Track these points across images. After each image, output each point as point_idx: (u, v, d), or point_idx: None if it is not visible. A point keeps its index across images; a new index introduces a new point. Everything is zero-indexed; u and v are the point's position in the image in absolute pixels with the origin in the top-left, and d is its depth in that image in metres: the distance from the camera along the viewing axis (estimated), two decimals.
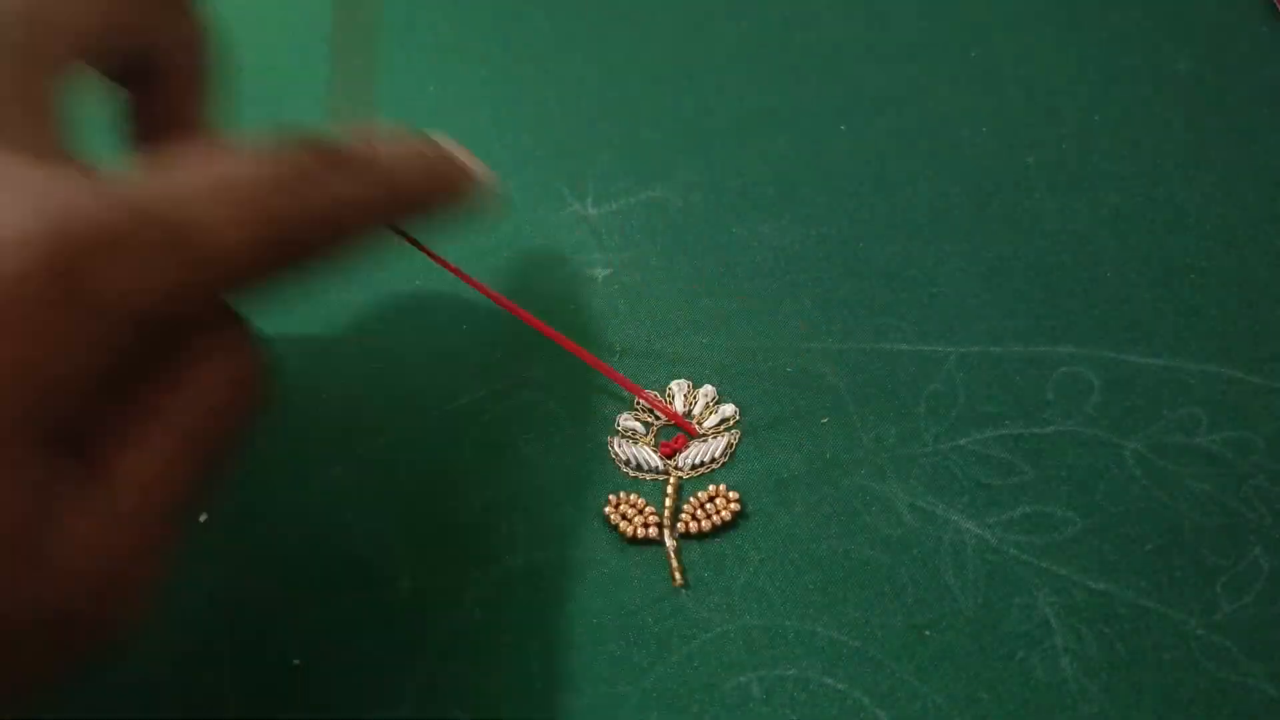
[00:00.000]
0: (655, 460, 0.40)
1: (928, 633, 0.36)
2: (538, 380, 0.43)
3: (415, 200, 0.35)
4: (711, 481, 0.40)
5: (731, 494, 0.39)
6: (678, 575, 0.38)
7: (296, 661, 0.37)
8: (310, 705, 0.36)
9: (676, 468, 0.40)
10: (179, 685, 0.37)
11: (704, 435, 0.41)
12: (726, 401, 0.42)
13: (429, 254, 0.38)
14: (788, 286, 0.45)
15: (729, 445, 0.41)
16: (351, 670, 0.36)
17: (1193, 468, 0.38)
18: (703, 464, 0.40)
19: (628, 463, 0.41)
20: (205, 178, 0.27)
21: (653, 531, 0.39)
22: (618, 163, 0.49)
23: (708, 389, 0.42)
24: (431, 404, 0.42)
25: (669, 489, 0.40)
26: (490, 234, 0.47)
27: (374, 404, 0.43)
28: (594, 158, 0.49)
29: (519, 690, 0.36)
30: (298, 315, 0.46)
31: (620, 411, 0.42)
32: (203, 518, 0.40)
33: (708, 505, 0.39)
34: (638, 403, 0.42)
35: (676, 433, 0.41)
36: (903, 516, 0.38)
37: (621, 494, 0.40)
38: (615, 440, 0.41)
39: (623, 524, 0.39)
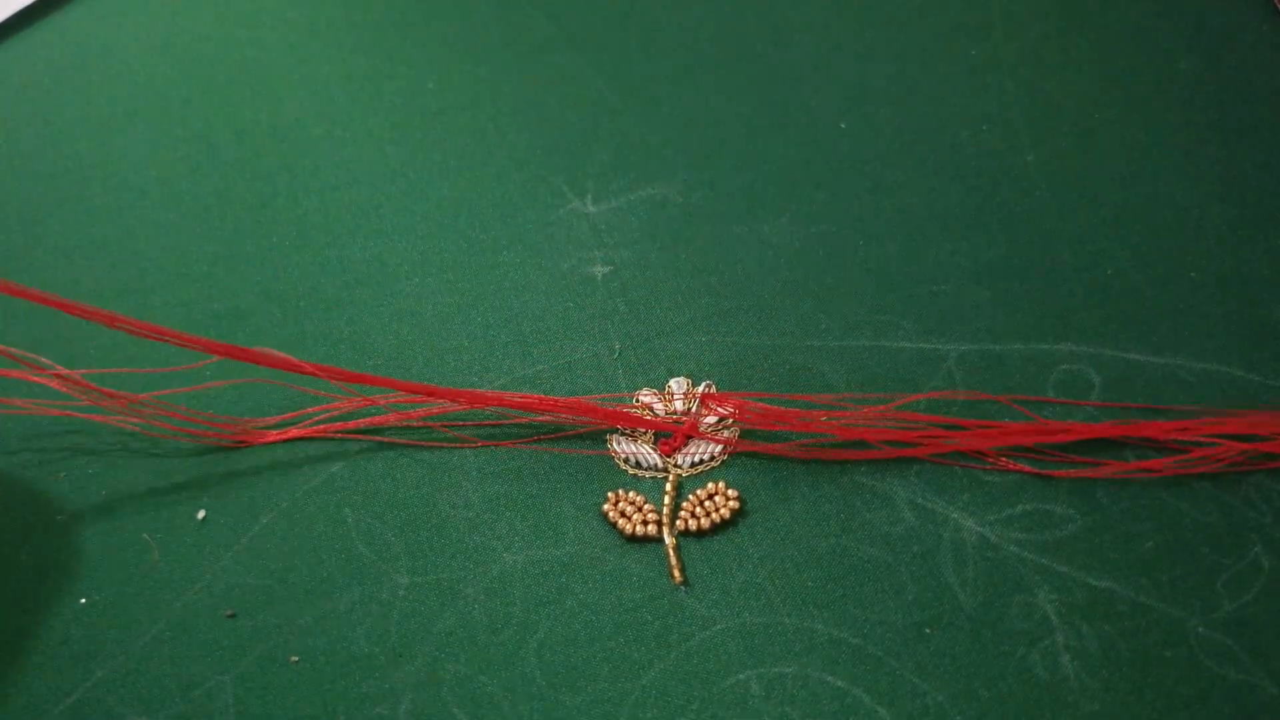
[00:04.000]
0: (655, 458, 0.40)
1: (928, 630, 0.36)
2: (537, 376, 0.43)
3: None
4: (711, 479, 0.40)
5: (731, 491, 0.39)
6: (677, 573, 0.38)
7: (294, 658, 0.37)
8: (309, 702, 0.36)
9: (676, 465, 0.40)
10: (178, 682, 0.36)
11: (703, 432, 0.41)
12: None
13: None
14: (788, 284, 0.44)
15: (728, 443, 0.41)
16: (350, 667, 0.36)
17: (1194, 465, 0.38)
18: (702, 461, 0.40)
19: (627, 460, 0.40)
20: None
21: (652, 529, 0.38)
22: (617, 160, 0.49)
23: (707, 386, 0.42)
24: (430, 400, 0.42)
25: (668, 486, 0.40)
26: (490, 232, 0.47)
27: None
28: (594, 155, 0.49)
29: (518, 688, 0.36)
30: (297, 313, 0.46)
31: (620, 408, 0.42)
32: (200, 514, 0.40)
33: (707, 503, 0.39)
34: (636, 399, 0.42)
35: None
36: (903, 514, 0.38)
37: (621, 491, 0.40)
38: (615, 438, 0.41)
39: (622, 521, 0.39)
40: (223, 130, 0.52)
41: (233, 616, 0.38)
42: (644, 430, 0.41)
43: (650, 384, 0.42)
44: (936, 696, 0.35)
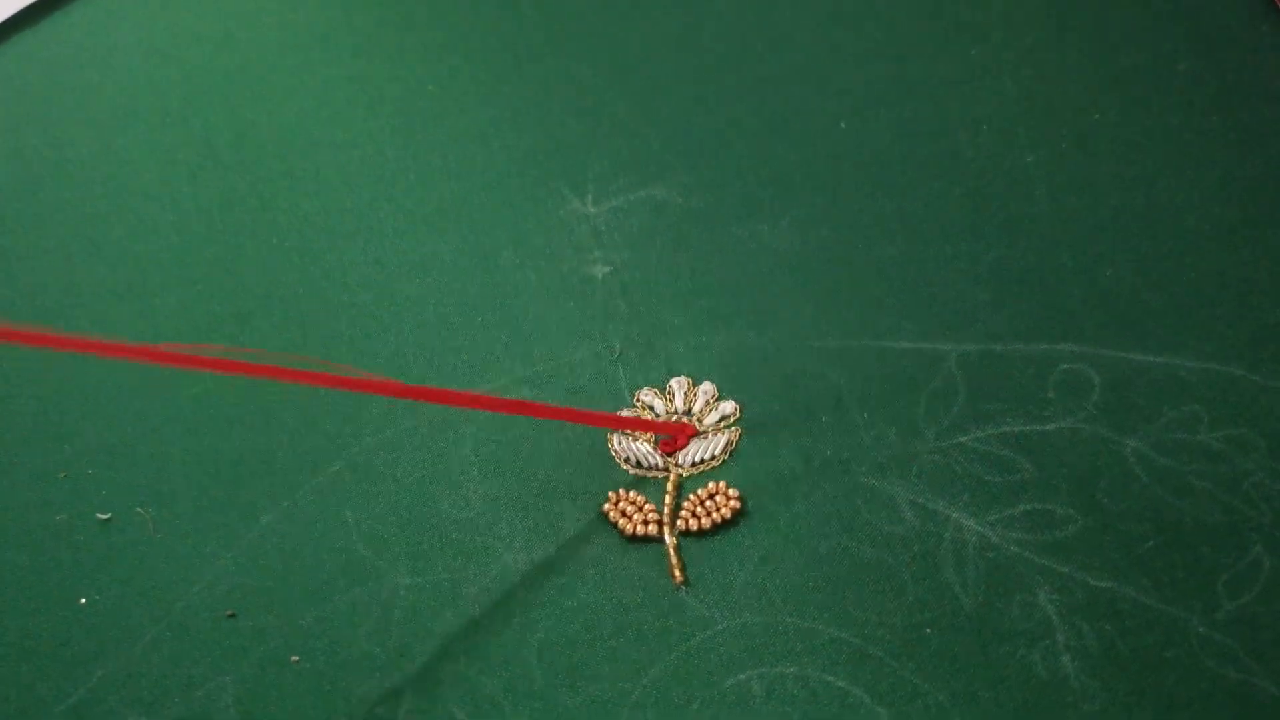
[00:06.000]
0: (655, 458, 0.40)
1: (928, 631, 0.36)
2: (537, 377, 0.43)
3: None
4: (711, 479, 0.40)
5: (731, 491, 0.39)
6: (677, 573, 0.38)
7: (295, 658, 0.37)
8: (309, 703, 0.36)
9: (676, 465, 0.40)
10: (179, 683, 0.36)
11: (704, 432, 0.41)
12: (726, 399, 0.42)
13: None
14: (788, 284, 0.44)
15: (729, 443, 0.41)
16: (350, 668, 0.36)
17: (1194, 465, 0.38)
18: (703, 461, 0.40)
19: (627, 460, 0.40)
20: None
21: (652, 529, 0.38)
22: (618, 161, 0.49)
23: (707, 386, 0.42)
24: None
25: (669, 486, 0.40)
26: (491, 233, 0.47)
27: (373, 400, 0.43)
28: (594, 155, 0.49)
29: (518, 688, 0.36)
30: (298, 315, 0.46)
31: (620, 408, 0.42)
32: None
33: (708, 503, 0.39)
34: (637, 399, 0.42)
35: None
36: (903, 514, 0.38)
37: (621, 491, 0.40)
38: (615, 437, 0.41)
39: (622, 521, 0.39)
40: (223, 132, 0.52)
41: (233, 617, 0.38)
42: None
43: (650, 384, 0.42)
44: (937, 696, 0.35)
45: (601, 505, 0.39)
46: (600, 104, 0.51)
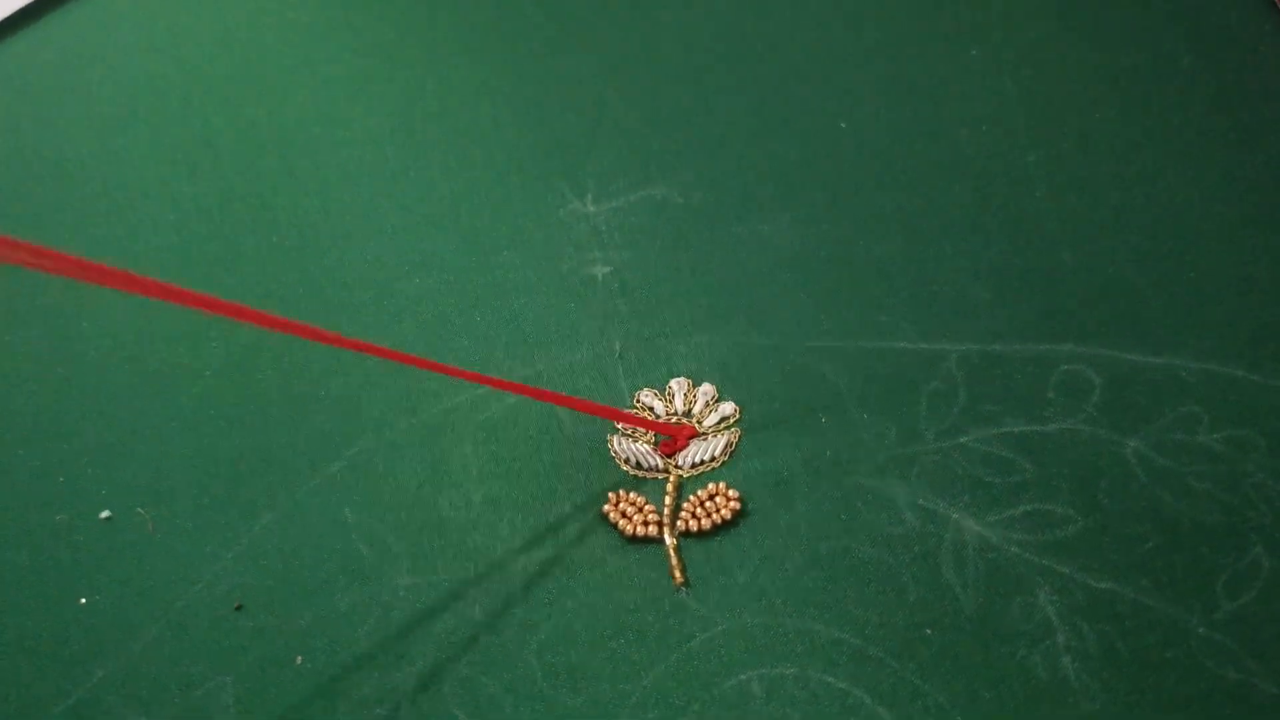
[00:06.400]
0: (655, 459, 0.40)
1: (929, 631, 0.36)
2: (537, 377, 0.43)
3: None
4: (711, 480, 0.40)
5: (732, 492, 0.39)
6: (678, 574, 0.38)
7: (300, 659, 0.37)
8: (309, 703, 0.36)
9: (676, 466, 0.40)
10: (178, 682, 0.36)
11: (704, 434, 0.41)
12: (726, 400, 0.42)
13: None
14: (788, 285, 0.44)
15: (729, 444, 0.41)
16: (350, 668, 0.36)
17: (1193, 466, 0.38)
18: (703, 462, 0.40)
19: (627, 461, 0.40)
20: None
21: (653, 530, 0.38)
22: (618, 160, 0.49)
23: (707, 387, 0.42)
24: (431, 401, 0.42)
25: (669, 487, 0.40)
26: (491, 232, 0.47)
27: (374, 401, 0.43)
28: (594, 155, 0.49)
29: (519, 689, 0.36)
30: (298, 314, 0.46)
31: (620, 409, 0.42)
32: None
33: (708, 504, 0.39)
34: (637, 401, 0.42)
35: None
36: (903, 515, 0.38)
37: (621, 492, 0.40)
38: (615, 438, 0.41)
39: (622, 522, 0.39)
40: (223, 131, 0.52)
41: (240, 609, 0.38)
42: (644, 431, 0.41)
43: (650, 385, 0.42)
44: (937, 697, 0.35)
45: (602, 506, 0.39)
46: (600, 104, 0.51)
